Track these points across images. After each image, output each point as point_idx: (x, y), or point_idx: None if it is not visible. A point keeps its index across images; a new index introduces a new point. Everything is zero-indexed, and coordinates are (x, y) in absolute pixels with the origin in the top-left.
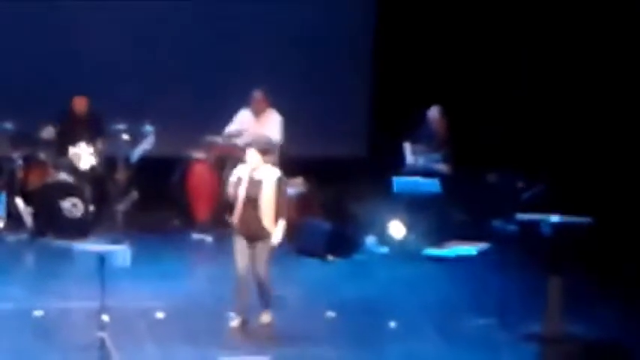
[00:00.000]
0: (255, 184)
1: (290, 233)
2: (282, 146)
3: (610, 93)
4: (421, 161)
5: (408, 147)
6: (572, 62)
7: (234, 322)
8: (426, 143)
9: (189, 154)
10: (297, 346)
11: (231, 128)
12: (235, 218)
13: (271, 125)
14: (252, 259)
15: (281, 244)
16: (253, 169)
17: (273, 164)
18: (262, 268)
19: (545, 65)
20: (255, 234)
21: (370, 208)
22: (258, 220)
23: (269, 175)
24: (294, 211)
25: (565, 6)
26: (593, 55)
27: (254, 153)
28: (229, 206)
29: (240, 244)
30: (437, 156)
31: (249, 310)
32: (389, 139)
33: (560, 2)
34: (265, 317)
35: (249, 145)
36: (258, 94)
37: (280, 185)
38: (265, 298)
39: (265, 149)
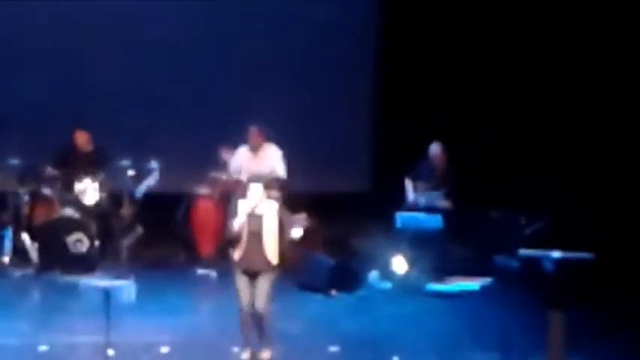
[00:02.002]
0: (256, 219)
1: (293, 268)
2: (285, 180)
3: (614, 129)
4: (423, 200)
5: (409, 184)
6: (575, 96)
7: (244, 355)
8: (427, 179)
9: (194, 190)
10: None
11: (231, 167)
12: (238, 253)
13: (273, 159)
14: (253, 293)
15: (284, 280)
16: (255, 205)
17: (277, 199)
18: (263, 303)
19: (548, 98)
20: (258, 268)
21: (373, 244)
22: (262, 254)
23: (269, 208)
24: (298, 246)
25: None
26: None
27: (258, 188)
28: (232, 242)
29: (242, 279)
30: (438, 194)
31: (256, 343)
32: (392, 175)
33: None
34: (265, 355)
35: (253, 179)
36: (253, 130)
37: (281, 214)
38: (264, 334)
39: (268, 184)
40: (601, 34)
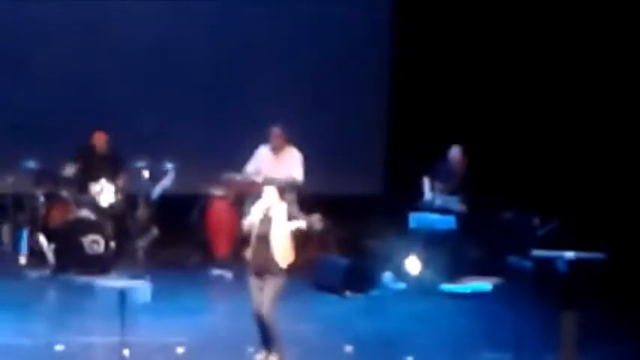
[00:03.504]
0: (267, 221)
1: (308, 269)
2: (300, 184)
3: (627, 131)
4: (439, 201)
5: (426, 182)
6: (590, 101)
7: (259, 355)
8: (446, 181)
9: (209, 191)
10: None
11: (250, 167)
12: (248, 254)
13: (292, 163)
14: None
15: (298, 281)
16: (268, 207)
17: (291, 202)
18: (267, 306)
19: (563, 102)
20: (266, 269)
21: (387, 245)
22: (269, 256)
23: (280, 211)
24: (312, 247)
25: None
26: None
27: (273, 191)
28: (245, 242)
29: (253, 282)
30: (455, 198)
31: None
32: (405, 176)
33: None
34: (273, 359)
35: (268, 183)
36: (276, 131)
37: (291, 215)
38: (269, 338)
39: (283, 188)
40: (607, 35)
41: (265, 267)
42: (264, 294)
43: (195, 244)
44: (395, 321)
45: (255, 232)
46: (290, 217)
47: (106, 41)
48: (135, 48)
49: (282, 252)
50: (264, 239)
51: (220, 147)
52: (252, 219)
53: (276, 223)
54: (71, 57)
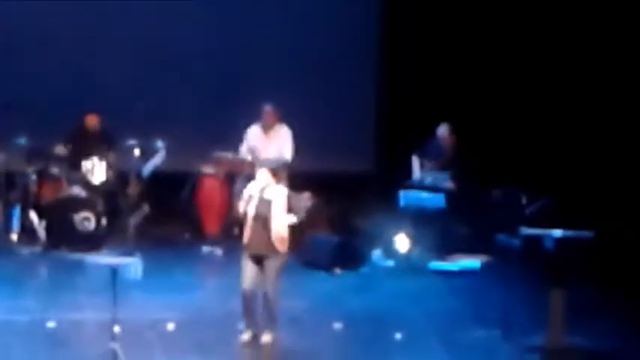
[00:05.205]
0: (264, 203)
1: (297, 247)
2: (289, 162)
3: (614, 109)
4: (429, 179)
5: (416, 161)
6: (578, 79)
7: (245, 335)
8: (434, 159)
9: (200, 169)
10: (305, 357)
11: (243, 148)
12: (245, 236)
13: (282, 140)
14: (262, 277)
15: (288, 258)
16: (263, 188)
17: (282, 180)
18: (271, 287)
19: (551, 80)
20: (264, 252)
21: (376, 222)
22: (268, 238)
23: (278, 194)
24: (302, 225)
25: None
26: (600, 74)
27: (265, 172)
28: (239, 223)
29: (247, 262)
30: (444, 175)
31: (260, 324)
32: (395, 154)
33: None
34: (266, 337)
35: (260, 164)
36: (268, 108)
37: (290, 200)
38: (270, 318)
39: (276, 169)
40: (591, 19)
41: (262, 249)
42: (267, 276)
43: (186, 222)
44: (384, 298)
45: (251, 213)
46: (290, 209)
47: (99, 24)
48: (127, 30)
49: (281, 235)
50: (261, 220)
51: (211, 125)
52: (247, 200)
53: (275, 206)
54: (65, 38)
